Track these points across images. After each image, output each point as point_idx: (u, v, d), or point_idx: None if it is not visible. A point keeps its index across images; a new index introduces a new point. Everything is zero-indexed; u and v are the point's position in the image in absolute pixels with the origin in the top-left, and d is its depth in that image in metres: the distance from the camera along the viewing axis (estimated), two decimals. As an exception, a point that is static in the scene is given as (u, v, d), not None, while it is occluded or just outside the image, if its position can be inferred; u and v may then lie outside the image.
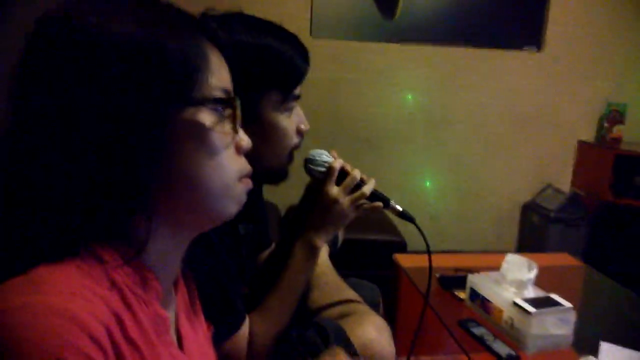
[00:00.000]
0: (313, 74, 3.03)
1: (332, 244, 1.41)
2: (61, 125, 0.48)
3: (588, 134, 3.29)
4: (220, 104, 0.55)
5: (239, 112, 0.57)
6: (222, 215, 0.58)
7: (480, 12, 3.06)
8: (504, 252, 1.60)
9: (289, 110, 0.96)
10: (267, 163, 0.97)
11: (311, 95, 3.02)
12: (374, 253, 2.44)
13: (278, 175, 1.02)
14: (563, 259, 1.98)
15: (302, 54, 0.95)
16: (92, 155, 0.48)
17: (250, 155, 0.95)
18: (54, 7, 0.51)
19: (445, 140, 3.18)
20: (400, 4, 2.99)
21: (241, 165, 0.59)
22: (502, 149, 3.24)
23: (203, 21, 0.58)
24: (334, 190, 1.00)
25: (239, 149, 0.59)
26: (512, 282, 1.37)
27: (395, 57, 3.06)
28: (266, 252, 1.25)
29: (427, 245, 1.06)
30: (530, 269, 1.38)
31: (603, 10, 3.15)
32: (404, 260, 1.78)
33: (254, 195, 1.17)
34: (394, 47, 3.04)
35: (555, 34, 3.13)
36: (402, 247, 2.43)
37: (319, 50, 2.95)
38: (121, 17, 0.51)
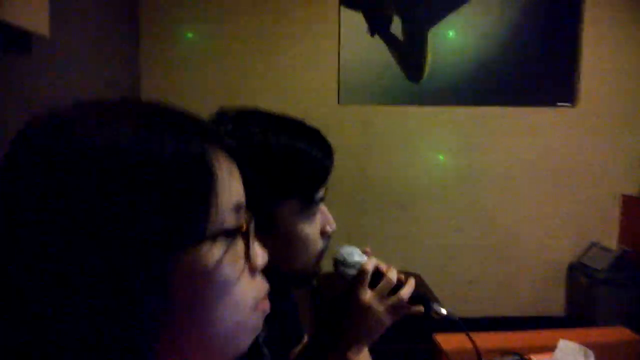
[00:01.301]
0: (341, 139, 3.06)
1: None
2: (42, 263, 0.40)
3: (632, 187, 3.14)
4: (232, 234, 0.46)
5: (252, 231, 0.49)
6: (236, 352, 0.50)
7: (510, 71, 3.03)
8: (551, 317, 1.47)
9: (311, 216, 0.87)
10: (292, 270, 0.89)
11: (340, 162, 2.97)
12: (410, 325, 2.31)
13: (306, 279, 0.94)
14: (620, 334, 1.82)
15: (326, 150, 0.87)
16: (80, 297, 0.41)
17: (271, 264, 0.89)
18: (38, 117, 0.44)
19: (480, 200, 3.09)
20: (427, 67, 2.99)
21: (257, 289, 0.51)
22: (541, 207, 3.12)
23: (202, 122, 0.50)
24: (367, 296, 0.89)
25: (254, 270, 0.51)
26: (567, 372, 1.25)
27: (424, 119, 3.03)
28: (298, 347, 1.17)
29: (475, 345, 0.96)
30: (587, 357, 1.26)
31: (637, 59, 3.08)
32: (445, 341, 1.67)
33: (279, 294, 1.10)
34: (422, 110, 3.02)
35: (590, 88, 3.06)
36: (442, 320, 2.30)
37: (347, 116, 2.97)
38: (111, 126, 0.43)
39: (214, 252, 0.45)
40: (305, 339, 1.18)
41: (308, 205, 0.85)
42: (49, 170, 0.41)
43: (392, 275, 0.91)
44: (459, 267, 3.07)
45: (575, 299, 3.07)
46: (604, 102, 3.08)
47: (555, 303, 3.15)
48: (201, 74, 2.86)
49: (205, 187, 0.44)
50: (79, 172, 0.41)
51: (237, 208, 0.48)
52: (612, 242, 3.13)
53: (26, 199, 0.42)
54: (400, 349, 2.20)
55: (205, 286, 0.45)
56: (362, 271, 0.90)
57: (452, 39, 3.00)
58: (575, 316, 2.99)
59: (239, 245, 0.48)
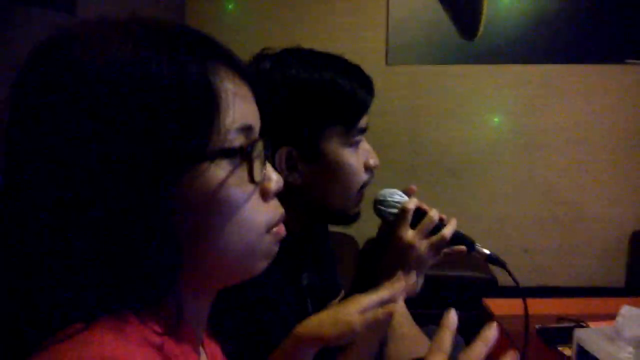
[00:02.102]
0: (390, 102, 2.97)
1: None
2: (55, 181, 0.41)
3: None
4: (238, 153, 0.46)
5: (260, 153, 0.49)
6: (249, 274, 0.52)
7: (572, 25, 2.81)
8: (611, 289, 1.39)
9: (355, 145, 0.90)
10: (334, 204, 0.90)
11: (389, 124, 2.94)
12: (459, 292, 2.25)
13: (347, 217, 0.94)
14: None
15: (365, 84, 0.89)
16: (92, 221, 0.42)
17: (315, 196, 0.89)
18: (50, 35, 0.45)
19: (538, 165, 2.93)
20: (483, 23, 2.82)
21: (269, 213, 0.51)
22: (604, 172, 2.92)
23: (212, 40, 0.49)
24: (409, 234, 0.89)
25: (266, 194, 0.50)
26: (630, 340, 1.16)
27: (477, 80, 2.88)
28: (335, 301, 1.15)
29: (519, 288, 0.91)
30: (652, 324, 1.15)
31: None
32: (495, 305, 1.60)
33: (318, 239, 1.08)
34: (475, 69, 2.87)
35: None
36: (492, 285, 2.22)
37: (395, 77, 2.86)
38: (112, 45, 0.43)
39: (218, 172, 0.45)
40: (342, 294, 1.16)
41: (351, 131, 0.87)
42: (51, 91, 0.42)
43: (434, 214, 0.90)
44: (514, 235, 2.95)
45: (637, 269, 2.89)
46: (679, 59, 2.82)
47: (616, 273, 2.97)
48: (246, 30, 2.82)
49: (204, 106, 0.44)
50: (77, 93, 0.41)
51: (243, 129, 0.47)
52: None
53: (34, 119, 0.42)
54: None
55: (211, 206, 0.45)
56: (403, 209, 0.90)
57: (510, -7, 2.80)
58: (637, 287, 2.81)
59: (247, 167, 0.47)
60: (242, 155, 0.47)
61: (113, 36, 0.43)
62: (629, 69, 2.85)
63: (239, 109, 0.47)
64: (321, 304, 1.12)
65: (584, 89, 2.87)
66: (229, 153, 0.46)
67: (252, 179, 0.47)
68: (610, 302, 1.39)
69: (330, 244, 1.15)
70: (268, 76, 0.84)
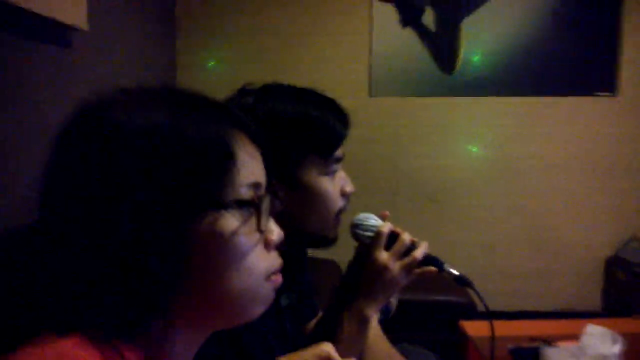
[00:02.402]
0: (373, 131, 3.07)
1: (385, 310, 1.34)
2: (82, 220, 0.48)
3: (674, 180, 3.03)
4: (248, 206, 0.53)
5: (267, 207, 0.55)
6: (246, 319, 0.56)
7: (546, 60, 2.96)
8: (586, 312, 1.46)
9: (331, 173, 0.96)
10: (312, 229, 0.96)
11: (372, 152, 3.04)
12: (436, 315, 2.31)
13: (326, 240, 1.00)
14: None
15: (340, 117, 0.96)
16: (107, 252, 0.47)
17: (294, 222, 0.95)
18: (89, 100, 0.53)
19: (515, 191, 3.03)
20: (460, 58, 2.96)
21: (270, 262, 0.56)
22: (578, 199, 3.04)
23: (230, 109, 0.57)
24: (383, 255, 0.95)
25: (269, 244, 0.56)
26: (594, 357, 1.23)
27: (457, 111, 3.01)
28: (312, 322, 1.20)
29: (488, 311, 0.98)
30: (614, 342, 1.23)
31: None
32: (470, 327, 1.67)
33: (298, 262, 1.13)
34: (455, 101, 3.00)
35: (631, 77, 2.96)
36: (469, 309, 2.28)
37: (378, 108, 2.97)
38: (149, 110, 0.51)
39: (230, 221, 0.51)
40: (320, 314, 1.21)
41: (327, 161, 0.94)
42: (94, 148, 0.49)
43: (407, 237, 0.97)
44: (493, 260, 3.03)
45: (613, 294, 2.98)
46: (644, 92, 2.98)
47: (592, 298, 3.06)
48: (234, 68, 2.93)
49: (223, 164, 0.51)
50: (119, 149, 0.49)
51: (254, 186, 0.54)
52: (653, 235, 3.02)
53: (76, 172, 0.50)
54: (427, 339, 2.20)
55: (220, 250, 0.51)
56: (378, 233, 0.96)
57: (486, 29, 2.95)
58: (612, 312, 2.90)
59: (255, 219, 0.53)
60: (252, 207, 0.53)
61: (149, 102, 0.52)
62: (598, 100, 3.00)
63: (250, 168, 0.54)
64: (299, 325, 1.18)
65: (557, 120, 3.00)
66: (241, 204, 0.52)
67: (259, 229, 0.53)
68: (581, 322, 1.45)
69: (308, 267, 1.20)
70: (251, 110, 0.90)
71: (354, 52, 2.96)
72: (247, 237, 0.52)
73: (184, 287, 0.50)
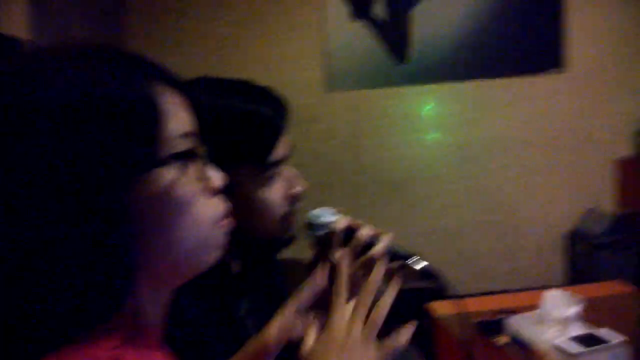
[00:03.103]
0: (332, 126, 3.06)
1: None
2: (12, 194, 0.45)
3: (627, 150, 3.13)
4: (183, 157, 0.51)
5: (202, 154, 0.54)
6: (203, 265, 0.55)
7: (495, 42, 3.02)
8: (551, 287, 1.48)
9: (267, 181, 0.85)
10: (258, 236, 0.88)
11: (332, 147, 3.04)
12: (407, 303, 2.30)
13: (279, 242, 0.92)
14: (615, 288, 1.82)
15: (276, 108, 0.85)
16: (54, 244, 0.45)
17: (242, 228, 0.83)
18: (6, 64, 0.50)
19: (475, 175, 3.08)
20: (411, 47, 2.99)
21: (216, 207, 0.56)
22: (536, 177, 3.11)
23: (147, 61, 0.54)
24: (337, 256, 0.84)
25: (211, 190, 0.55)
26: (555, 320, 1.25)
27: (414, 99, 3.04)
28: None
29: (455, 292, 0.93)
30: (574, 303, 1.25)
31: (625, 22, 3.07)
32: (438, 308, 1.67)
33: (262, 266, 1.09)
34: (411, 90, 3.02)
35: (578, 53, 3.05)
36: (438, 293, 2.29)
37: (335, 102, 2.97)
38: (73, 71, 0.48)
39: (168, 175, 0.49)
40: None
41: (262, 169, 0.83)
42: (12, 115, 0.46)
43: (365, 232, 0.85)
44: (458, 244, 3.07)
45: (576, 266, 3.06)
46: (593, 65, 3.07)
47: (555, 273, 3.14)
48: (182, 61, 2.86)
49: (151, 119, 0.49)
50: (38, 114, 0.46)
51: (186, 135, 0.52)
52: (610, 206, 3.12)
53: None
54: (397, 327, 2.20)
55: (164, 206, 0.49)
56: (331, 231, 0.86)
57: (436, 16, 2.99)
58: (574, 284, 2.97)
59: (193, 168, 0.52)
60: (188, 158, 0.51)
61: (70, 62, 0.49)
62: (549, 78, 3.07)
63: (179, 118, 0.52)
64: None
65: (511, 100, 3.07)
66: (176, 157, 0.50)
67: (198, 177, 0.52)
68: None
69: (280, 273, 1.10)
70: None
71: (308, 47, 2.95)
72: (187, 187, 0.51)
73: (140, 252, 0.48)
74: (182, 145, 0.51)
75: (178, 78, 0.55)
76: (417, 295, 2.34)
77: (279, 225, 0.88)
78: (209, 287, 0.84)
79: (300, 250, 1.11)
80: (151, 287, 0.52)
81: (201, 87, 0.85)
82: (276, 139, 0.85)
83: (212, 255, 0.56)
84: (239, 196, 0.81)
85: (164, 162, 0.49)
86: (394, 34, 2.99)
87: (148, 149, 0.48)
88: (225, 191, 0.80)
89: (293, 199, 0.89)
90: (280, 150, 0.86)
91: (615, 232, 2.83)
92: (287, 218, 0.89)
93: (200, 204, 0.52)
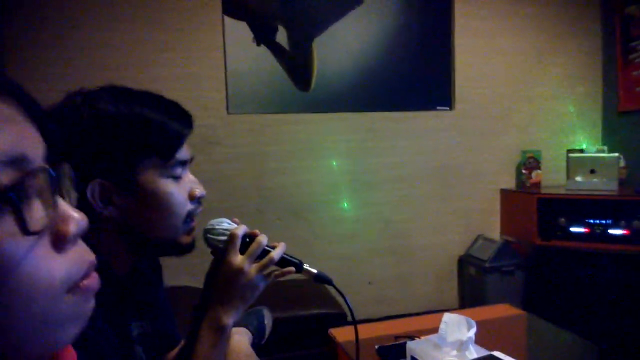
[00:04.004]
0: (234, 149, 3.00)
1: (258, 334, 1.28)
2: None
3: (509, 182, 3.40)
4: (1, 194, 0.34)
5: (44, 185, 0.38)
6: (53, 347, 0.39)
7: (393, 78, 3.17)
8: (447, 309, 1.56)
9: (175, 177, 0.87)
10: (159, 235, 0.86)
11: (234, 170, 2.98)
12: (311, 329, 2.29)
13: (178, 246, 0.91)
14: (504, 310, 1.93)
15: (180, 117, 0.88)
16: None
17: (137, 229, 0.84)
18: None
19: (374, 202, 3.17)
20: (314, 76, 3.04)
21: (68, 266, 0.39)
22: (429, 205, 3.26)
23: None
24: (238, 259, 0.90)
25: (62, 241, 0.38)
26: (453, 344, 1.29)
27: (315, 126, 3.07)
28: (173, 352, 1.09)
29: (351, 310, 0.99)
30: (469, 327, 1.30)
31: (506, 65, 3.36)
32: (340, 334, 1.66)
33: (149, 281, 1.03)
34: (312, 117, 3.06)
35: (464, 93, 3.29)
36: (339, 319, 2.31)
37: (237, 125, 2.93)
38: None
39: None
40: (182, 343, 1.10)
41: (168, 163, 0.85)
42: None
43: (263, 238, 0.93)
44: (358, 269, 3.12)
45: (467, 289, 3.23)
46: (477, 106, 3.32)
47: (449, 296, 3.29)
48: (72, 74, 2.68)
49: None
50: None
51: (12, 162, 0.36)
52: (496, 234, 3.35)
53: None
54: (302, 354, 2.17)
55: None
56: (231, 235, 0.92)
57: (338, 47, 3.08)
58: (468, 306, 3.14)
59: (27, 208, 0.36)
60: (5, 198, 0.34)
61: None
62: (438, 114, 3.27)
63: (7, 137, 0.36)
64: (156, 354, 1.06)
65: (406, 132, 3.22)
66: None
67: (24, 229, 0.35)
68: (442, 316, 1.51)
69: (162, 291, 1.10)
70: (76, 110, 0.80)
71: (210, 68, 2.89)
72: (9, 244, 0.34)
73: None
74: (2, 177, 0.35)
75: (10, 81, 0.40)
76: (319, 320, 2.34)
77: (181, 224, 0.89)
78: (104, 301, 0.77)
79: (191, 272, 1.06)
80: None
81: (109, 95, 0.84)
82: (183, 138, 0.87)
83: (67, 333, 0.39)
84: (144, 189, 0.83)
85: None
86: (296, 62, 3.03)
87: None
88: (129, 185, 0.81)
89: (195, 201, 0.91)
90: (184, 152, 0.88)
91: (501, 258, 3.03)
92: (188, 218, 0.90)
93: (35, 265, 0.36)
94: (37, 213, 0.36)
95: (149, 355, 0.96)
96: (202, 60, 2.88)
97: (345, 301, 0.99)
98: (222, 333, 0.89)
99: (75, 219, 0.40)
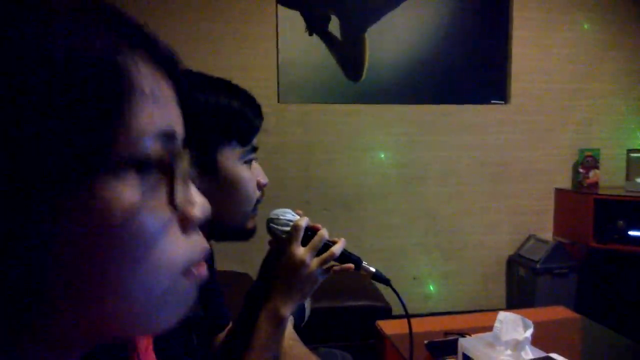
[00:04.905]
0: (283, 138, 3.02)
1: (298, 316, 1.28)
2: None
3: (564, 181, 3.27)
4: (154, 167, 0.34)
5: (185, 169, 0.37)
6: (154, 329, 0.39)
7: (445, 71, 3.10)
8: (493, 309, 1.52)
9: (249, 162, 0.91)
10: (231, 218, 0.89)
11: (282, 160, 2.99)
12: (355, 321, 2.28)
13: (245, 231, 0.93)
14: (557, 313, 1.86)
15: (254, 107, 0.92)
16: None
17: (217, 214, 0.85)
18: None
19: (422, 197, 3.12)
20: (366, 67, 3.01)
21: (190, 248, 0.38)
22: (479, 202, 3.18)
23: (128, 18, 0.38)
24: (300, 251, 0.90)
25: (188, 223, 0.38)
26: (508, 343, 1.24)
27: (364, 118, 3.04)
28: (223, 333, 1.10)
29: (405, 307, 0.97)
30: (526, 327, 1.25)
31: (566, 59, 3.22)
32: (387, 327, 1.64)
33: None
34: (362, 108, 3.03)
35: (520, 87, 3.18)
36: (386, 313, 2.28)
37: (287, 114, 2.93)
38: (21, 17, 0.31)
39: (123, 190, 0.32)
40: (230, 325, 1.11)
41: (245, 148, 0.89)
42: None
43: (324, 232, 0.93)
44: (403, 264, 3.08)
45: (515, 290, 3.13)
46: (534, 100, 3.20)
47: (496, 296, 3.21)
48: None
49: (108, 92, 0.32)
50: None
51: (164, 136, 0.35)
52: (548, 234, 3.23)
53: None
54: (345, 344, 2.16)
55: (109, 239, 0.32)
56: (295, 227, 0.91)
57: (390, 38, 3.04)
58: (516, 308, 3.05)
59: (166, 186, 0.36)
60: (160, 169, 0.35)
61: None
62: (493, 108, 3.18)
63: (159, 110, 0.35)
64: (207, 337, 1.07)
65: (458, 127, 3.14)
66: (141, 164, 0.33)
67: (172, 203, 0.36)
68: (492, 315, 1.48)
69: (215, 271, 1.11)
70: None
71: (262, 58, 2.91)
72: (152, 215, 0.34)
73: (54, 294, 0.32)
74: (155, 149, 0.34)
75: (175, 58, 0.40)
76: (363, 312, 2.32)
77: (249, 210, 0.91)
78: None
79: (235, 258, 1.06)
80: (63, 348, 0.35)
81: (189, 79, 0.82)
82: (258, 127, 0.91)
83: (171, 317, 0.38)
84: (224, 172, 0.86)
85: (119, 166, 0.32)
86: (348, 52, 3.00)
87: (97, 140, 0.31)
88: (210, 167, 0.84)
89: (261, 189, 0.94)
90: (255, 141, 0.91)
91: (554, 260, 2.92)
92: (256, 205, 0.93)
93: (170, 241, 0.36)
94: (180, 190, 0.37)
95: (201, 338, 0.97)
96: (255, 49, 2.90)
97: (401, 301, 0.98)
98: (280, 324, 0.89)
99: (201, 203, 0.40)
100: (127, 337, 0.40)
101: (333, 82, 3.00)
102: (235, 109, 0.88)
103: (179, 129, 0.38)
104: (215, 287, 1.09)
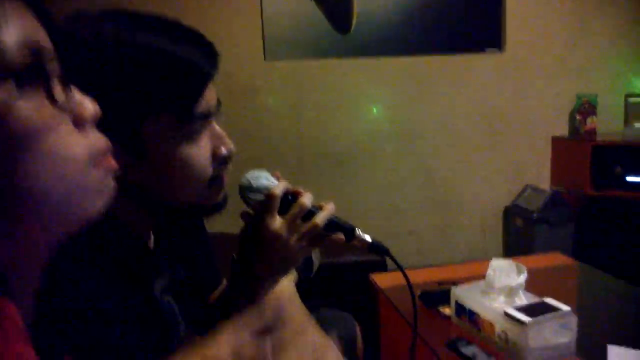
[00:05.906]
0: (272, 96, 2.94)
1: (305, 268, 1.25)
2: None
3: (561, 129, 3.21)
4: (26, 72, 0.38)
5: (56, 71, 0.41)
6: (84, 216, 0.44)
7: (436, 19, 2.98)
8: (490, 259, 1.48)
9: (193, 135, 0.72)
10: (178, 202, 0.76)
11: (272, 120, 2.93)
12: (350, 276, 2.27)
13: (205, 208, 0.82)
14: (554, 259, 1.84)
15: (204, 51, 0.72)
16: None
17: (152, 195, 0.73)
18: None
19: (417, 151, 3.06)
20: (354, 18, 2.90)
21: (89, 142, 0.43)
22: (475, 154, 3.13)
23: None
24: (276, 224, 0.76)
25: (81, 121, 0.43)
26: (501, 289, 1.22)
27: (355, 72, 2.95)
28: (216, 292, 1.07)
29: (407, 278, 0.84)
30: (519, 272, 1.22)
31: (561, 3, 3.11)
32: (381, 279, 1.62)
33: (186, 232, 0.99)
34: (352, 62, 2.94)
35: (515, 34, 3.07)
36: (381, 267, 2.27)
37: (275, 73, 2.85)
38: None
39: (5, 97, 0.37)
40: (224, 282, 1.08)
41: (185, 120, 0.70)
42: None
43: (306, 199, 0.78)
44: (399, 219, 3.05)
45: (513, 241, 3.12)
46: (530, 47, 3.10)
47: (493, 247, 3.19)
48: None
49: None
50: None
51: (28, 46, 0.39)
52: (545, 183, 3.19)
53: None
54: (342, 300, 2.15)
55: (7, 142, 0.37)
56: (269, 195, 0.77)
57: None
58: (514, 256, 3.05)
59: (43, 89, 0.40)
60: (32, 72, 0.38)
61: None
62: (490, 57, 3.08)
63: (18, 21, 0.39)
64: (202, 296, 1.02)
65: (452, 77, 3.05)
66: (12, 69, 0.37)
67: (52, 99, 0.40)
68: (487, 264, 1.45)
69: (206, 233, 1.05)
70: (72, 38, 0.65)
71: (245, 13, 2.80)
72: (34, 113, 0.38)
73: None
74: (22, 57, 0.38)
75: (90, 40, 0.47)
76: (358, 267, 2.31)
77: (204, 189, 0.76)
78: (119, 262, 0.72)
79: (227, 219, 1.00)
80: (13, 254, 0.40)
81: (115, 20, 0.70)
82: (204, 86, 0.72)
83: (95, 204, 0.44)
84: (155, 152, 0.69)
85: None
86: (336, 5, 2.89)
87: None
88: (136, 149, 0.68)
89: (220, 161, 0.77)
90: (206, 102, 0.73)
91: (551, 209, 2.89)
92: (213, 182, 0.77)
93: (61, 135, 0.40)
94: (58, 90, 0.41)
95: (188, 300, 0.92)
96: (236, 5, 2.79)
97: (403, 272, 0.84)
98: (261, 286, 0.81)
99: (89, 103, 0.44)
100: (66, 233, 0.43)
101: (321, 36, 2.89)
102: (171, 56, 0.68)
103: (42, 37, 0.41)
104: (204, 250, 1.04)
